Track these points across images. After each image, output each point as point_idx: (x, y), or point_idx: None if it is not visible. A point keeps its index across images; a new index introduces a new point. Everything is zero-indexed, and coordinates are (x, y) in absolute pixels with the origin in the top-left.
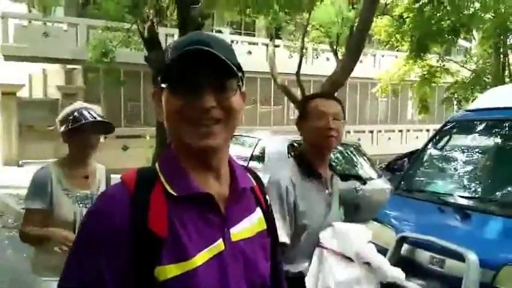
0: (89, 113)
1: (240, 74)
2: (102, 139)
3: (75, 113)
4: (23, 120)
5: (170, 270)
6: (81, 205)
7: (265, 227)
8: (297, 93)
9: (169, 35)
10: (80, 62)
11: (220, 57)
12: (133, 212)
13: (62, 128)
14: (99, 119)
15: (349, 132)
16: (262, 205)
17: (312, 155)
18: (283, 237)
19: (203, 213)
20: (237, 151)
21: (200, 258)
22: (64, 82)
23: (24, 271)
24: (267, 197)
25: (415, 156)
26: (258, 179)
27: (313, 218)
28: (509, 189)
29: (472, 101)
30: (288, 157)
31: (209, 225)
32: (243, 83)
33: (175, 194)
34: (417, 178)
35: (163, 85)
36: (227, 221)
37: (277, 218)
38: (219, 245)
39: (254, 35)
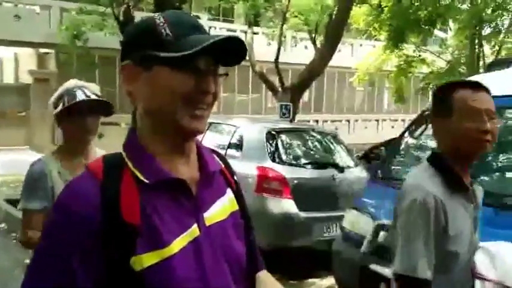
0: (83, 92)
1: None
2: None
3: (69, 93)
4: None
5: (147, 259)
6: None
7: (237, 207)
8: (275, 81)
9: None
10: (53, 46)
11: (244, 46)
12: (104, 202)
13: (55, 111)
14: (94, 97)
15: (326, 121)
16: (232, 186)
17: (454, 162)
18: (425, 272)
19: (176, 199)
20: (214, 139)
21: (176, 245)
22: (36, 66)
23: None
24: (235, 177)
25: (392, 144)
26: (224, 160)
27: (463, 242)
28: (483, 177)
29: None
30: (266, 145)
31: (183, 211)
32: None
33: (146, 181)
34: (394, 166)
35: (160, 61)
36: (200, 205)
37: (417, 249)
38: (193, 230)
39: (232, 22)
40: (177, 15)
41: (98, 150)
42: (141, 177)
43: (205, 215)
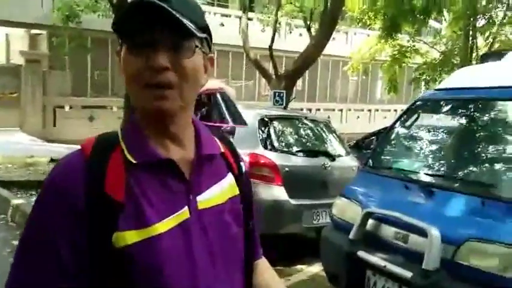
0: None
1: (202, 35)
2: (67, 108)
3: None
4: None
5: (130, 236)
6: None
7: (237, 192)
8: (270, 68)
9: None
10: (45, 27)
11: (171, 12)
12: (88, 177)
13: None
14: None
15: (319, 109)
16: (234, 170)
17: None
18: None
19: (165, 180)
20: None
21: (163, 225)
22: (28, 47)
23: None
24: (241, 163)
25: (383, 134)
26: (229, 144)
27: None
28: (472, 168)
29: (439, 82)
30: (258, 132)
31: (173, 192)
32: (210, 47)
33: (133, 161)
34: (384, 156)
35: (120, 41)
36: (192, 188)
37: None
38: (183, 212)
39: (227, 7)
40: None
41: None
42: (129, 157)
43: (199, 198)
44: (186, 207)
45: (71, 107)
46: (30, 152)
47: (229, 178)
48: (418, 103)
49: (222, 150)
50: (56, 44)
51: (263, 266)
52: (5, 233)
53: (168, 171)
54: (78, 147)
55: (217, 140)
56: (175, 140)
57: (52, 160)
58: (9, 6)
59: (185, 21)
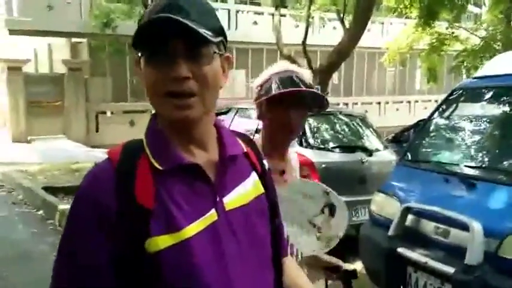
0: (297, 78)
1: (218, 39)
2: (109, 113)
3: (279, 78)
4: (30, 96)
5: (162, 241)
6: None
7: (262, 191)
8: (303, 63)
9: None
10: (85, 35)
11: (188, 24)
12: (118, 186)
13: (260, 99)
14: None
15: (356, 103)
16: (258, 169)
17: None
18: None
19: (192, 184)
20: (242, 124)
21: (192, 229)
22: (69, 56)
23: (35, 246)
24: (264, 161)
25: (420, 126)
26: (251, 143)
27: None
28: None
29: (481, 69)
30: None
31: (199, 195)
32: (225, 48)
33: (160, 168)
34: (423, 148)
35: (139, 54)
36: (218, 190)
37: None
38: (211, 215)
39: (259, 4)
40: (161, 0)
41: (293, 155)
42: (155, 164)
43: (226, 199)
44: (213, 210)
45: (112, 113)
46: (75, 158)
47: (253, 177)
48: (456, 92)
49: (245, 149)
50: (95, 51)
51: (290, 264)
52: (53, 238)
53: (194, 175)
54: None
55: (239, 140)
56: (199, 144)
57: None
58: (50, 16)
59: (202, 30)
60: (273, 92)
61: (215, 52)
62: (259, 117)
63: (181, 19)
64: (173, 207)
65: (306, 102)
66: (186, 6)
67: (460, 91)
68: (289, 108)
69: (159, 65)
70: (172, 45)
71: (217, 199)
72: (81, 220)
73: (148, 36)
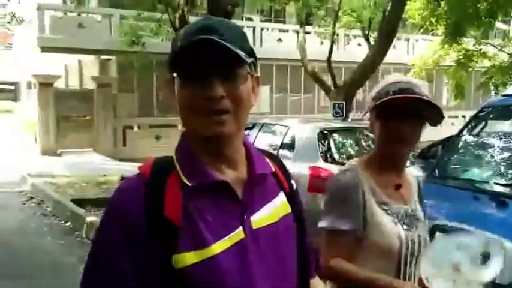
0: (410, 88)
1: (250, 60)
2: (135, 128)
3: (392, 88)
4: (60, 111)
5: (189, 258)
6: (404, 226)
7: (289, 210)
8: (328, 80)
9: None
10: (114, 53)
11: (226, 45)
12: (148, 201)
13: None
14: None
15: None
16: (286, 189)
17: None
18: None
19: (220, 201)
20: (267, 140)
21: (219, 246)
22: (98, 72)
23: (62, 257)
24: (292, 181)
25: (449, 142)
26: (279, 162)
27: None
28: None
29: (510, 86)
30: (318, 145)
31: (227, 213)
32: (255, 68)
33: (189, 184)
34: (451, 165)
35: (174, 74)
36: (246, 208)
37: None
38: (239, 233)
39: (284, 22)
40: (194, 23)
41: (411, 170)
42: (185, 181)
43: (253, 217)
44: (240, 228)
45: (139, 127)
46: (102, 171)
47: (281, 197)
48: (485, 109)
49: (273, 169)
50: (124, 68)
51: (317, 286)
52: (80, 249)
53: (223, 193)
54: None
55: (267, 159)
56: (228, 162)
57: (122, 178)
58: (80, 34)
59: (237, 51)
60: (378, 102)
61: (248, 73)
62: (371, 130)
63: (220, 40)
64: (201, 224)
65: (422, 113)
66: (221, 28)
67: (490, 108)
68: (399, 117)
69: (195, 85)
70: (209, 65)
71: (245, 217)
72: (110, 236)
73: (185, 58)
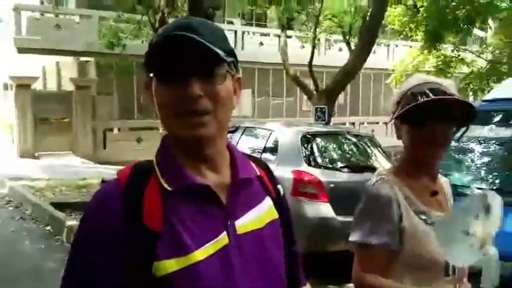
0: (438, 89)
1: (230, 59)
2: (116, 131)
3: (419, 90)
4: (38, 113)
5: (170, 265)
6: None
7: (276, 216)
8: (310, 84)
9: None
10: (93, 54)
11: (203, 42)
12: (125, 208)
13: (395, 114)
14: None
15: (362, 123)
16: (272, 193)
17: None
18: None
19: (202, 206)
20: (250, 143)
21: (201, 252)
22: (77, 74)
23: (43, 262)
24: (279, 186)
25: None
26: (265, 167)
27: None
28: None
29: (487, 92)
30: (301, 149)
31: (210, 218)
32: (236, 69)
33: (169, 189)
34: None
35: (151, 74)
36: (230, 213)
37: None
38: (222, 238)
39: (266, 26)
40: (176, 21)
41: (443, 177)
42: (165, 185)
43: (237, 222)
44: (224, 233)
45: (119, 130)
46: (82, 175)
47: (267, 201)
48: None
49: (258, 173)
50: (103, 70)
51: None
52: (61, 254)
53: (205, 197)
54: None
55: (253, 163)
56: (210, 166)
57: (103, 181)
58: (58, 35)
59: (216, 49)
60: (412, 104)
61: (228, 72)
62: (399, 137)
63: (197, 37)
64: (182, 230)
65: (452, 113)
66: (199, 27)
67: None
68: (435, 119)
69: (171, 84)
70: (186, 64)
71: (229, 222)
72: (87, 242)
73: (161, 55)
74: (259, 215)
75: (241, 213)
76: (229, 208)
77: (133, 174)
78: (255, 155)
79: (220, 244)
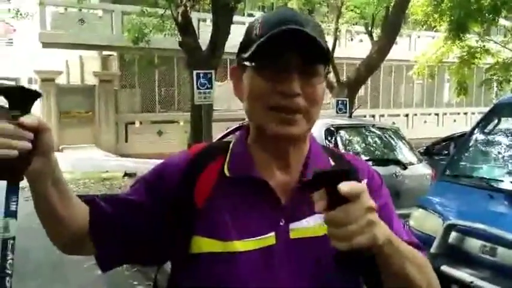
0: None
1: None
2: (137, 124)
3: None
4: (62, 106)
5: (205, 244)
6: None
7: None
8: (331, 76)
9: (201, 20)
10: (115, 49)
11: (316, 39)
12: (183, 177)
13: None
14: None
15: (383, 115)
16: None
17: None
18: None
19: (256, 201)
20: None
21: (241, 244)
22: (100, 68)
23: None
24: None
25: (461, 140)
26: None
27: None
28: None
29: None
30: (325, 142)
31: (260, 215)
32: (329, 69)
33: (227, 175)
34: (464, 163)
35: (247, 63)
36: (286, 214)
37: None
38: (268, 238)
39: None
40: (275, 12)
41: None
42: (225, 169)
43: (292, 226)
44: (272, 233)
45: (141, 123)
46: (105, 167)
47: None
48: (497, 107)
49: None
50: (127, 64)
51: None
52: None
53: (262, 193)
54: (149, 161)
55: (333, 162)
56: (282, 163)
57: (126, 174)
58: (81, 30)
59: (322, 45)
60: None
61: (328, 72)
62: None
63: (309, 32)
64: (226, 215)
65: None
66: (304, 21)
67: (502, 105)
68: None
69: (269, 77)
70: (288, 58)
71: (281, 223)
72: (145, 180)
73: (266, 47)
74: (322, 222)
75: (301, 217)
76: (288, 209)
77: (202, 153)
78: None
79: (264, 243)
